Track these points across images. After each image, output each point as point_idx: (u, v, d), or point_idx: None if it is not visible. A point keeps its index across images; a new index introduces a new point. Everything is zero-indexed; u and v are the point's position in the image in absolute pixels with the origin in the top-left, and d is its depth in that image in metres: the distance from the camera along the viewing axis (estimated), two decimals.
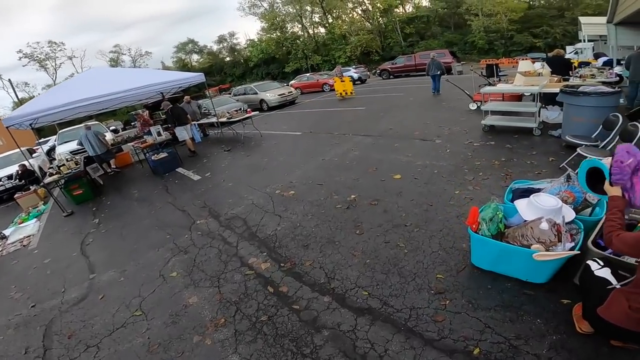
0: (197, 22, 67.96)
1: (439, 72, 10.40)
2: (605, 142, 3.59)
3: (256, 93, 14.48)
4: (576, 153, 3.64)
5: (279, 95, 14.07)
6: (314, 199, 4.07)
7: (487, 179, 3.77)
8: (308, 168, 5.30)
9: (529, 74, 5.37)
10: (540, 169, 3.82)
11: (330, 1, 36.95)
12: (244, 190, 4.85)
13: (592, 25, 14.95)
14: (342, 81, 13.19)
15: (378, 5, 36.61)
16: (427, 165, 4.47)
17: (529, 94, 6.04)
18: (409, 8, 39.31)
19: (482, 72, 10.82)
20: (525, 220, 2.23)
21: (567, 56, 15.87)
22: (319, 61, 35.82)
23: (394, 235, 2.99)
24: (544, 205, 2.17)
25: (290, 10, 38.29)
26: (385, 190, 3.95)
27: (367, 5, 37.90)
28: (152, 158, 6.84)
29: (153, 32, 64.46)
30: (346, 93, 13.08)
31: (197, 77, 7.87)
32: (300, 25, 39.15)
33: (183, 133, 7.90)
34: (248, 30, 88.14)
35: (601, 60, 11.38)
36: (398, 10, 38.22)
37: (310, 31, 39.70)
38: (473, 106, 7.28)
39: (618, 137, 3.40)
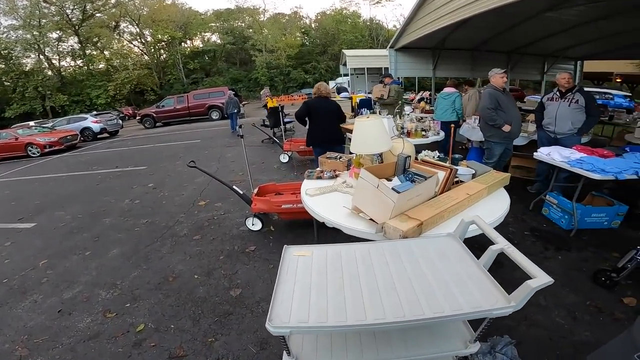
0: None
1: (235, 111, 10.35)
2: None
3: None
4: None
5: None
6: None
7: None
8: None
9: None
10: None
11: (92, 29, 27.56)
12: None
13: (355, 57, 15.56)
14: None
15: (159, 36, 30.51)
16: None
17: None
18: (196, 42, 35.54)
19: (264, 122, 7.78)
20: None
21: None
22: (65, 102, 25.54)
23: None
24: None
25: (27, 36, 25.55)
26: None
27: (148, 36, 31.07)
28: None
29: None
30: None
31: None
32: (39, 56, 26.95)
33: None
34: None
35: (343, 95, 11.17)
36: (185, 45, 33.56)
37: (57, 63, 28.52)
38: (255, 225, 3.21)
39: None
